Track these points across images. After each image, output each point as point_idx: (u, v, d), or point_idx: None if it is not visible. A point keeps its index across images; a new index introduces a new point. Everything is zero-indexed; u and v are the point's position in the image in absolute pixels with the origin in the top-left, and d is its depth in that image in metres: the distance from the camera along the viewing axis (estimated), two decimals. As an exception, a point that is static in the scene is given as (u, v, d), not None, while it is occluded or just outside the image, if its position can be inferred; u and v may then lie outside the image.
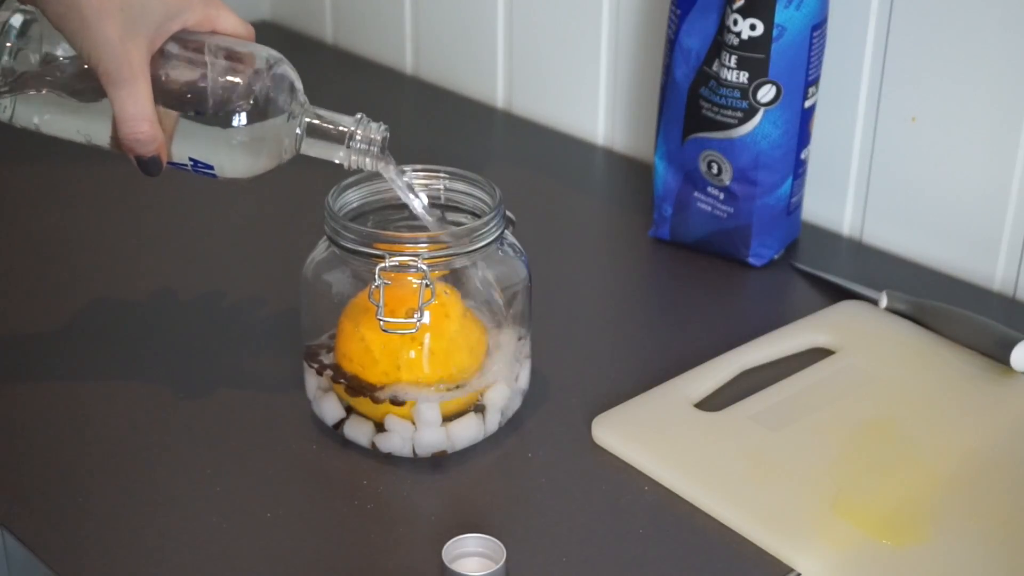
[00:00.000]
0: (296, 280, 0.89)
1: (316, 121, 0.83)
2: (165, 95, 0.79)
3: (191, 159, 0.82)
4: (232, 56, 0.81)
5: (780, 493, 0.84)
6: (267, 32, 1.58)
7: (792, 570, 0.79)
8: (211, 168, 0.82)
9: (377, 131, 0.84)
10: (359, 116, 0.84)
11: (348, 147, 0.83)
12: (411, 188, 0.86)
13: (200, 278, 1.09)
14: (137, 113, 0.77)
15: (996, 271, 1.10)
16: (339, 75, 1.53)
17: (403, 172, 0.87)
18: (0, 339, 1.01)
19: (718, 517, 0.83)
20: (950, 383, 0.95)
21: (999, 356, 0.96)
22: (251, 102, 0.80)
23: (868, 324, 1.02)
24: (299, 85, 0.83)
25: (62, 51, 0.79)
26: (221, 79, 0.80)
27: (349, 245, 0.84)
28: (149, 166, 0.80)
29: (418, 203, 0.86)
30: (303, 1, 1.61)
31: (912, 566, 0.79)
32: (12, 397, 0.94)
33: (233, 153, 0.81)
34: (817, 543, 0.80)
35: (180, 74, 0.80)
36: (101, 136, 0.81)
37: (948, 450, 0.88)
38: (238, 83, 0.80)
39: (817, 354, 0.99)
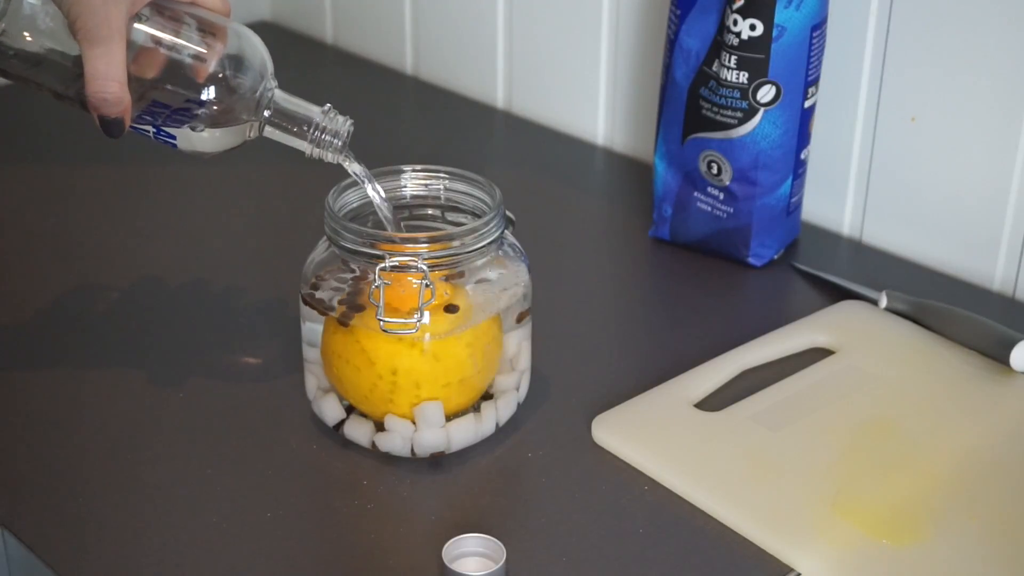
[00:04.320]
0: (296, 280, 0.89)
1: (284, 105, 0.84)
2: (133, 56, 0.79)
3: (154, 126, 0.82)
4: (206, 28, 0.81)
5: (780, 493, 0.84)
6: (267, 32, 1.58)
7: (792, 570, 0.79)
8: (173, 138, 0.82)
9: (342, 125, 0.84)
10: (327, 107, 0.85)
11: (312, 136, 0.84)
12: (372, 181, 0.87)
13: (200, 278, 1.09)
14: (108, 73, 0.77)
15: (996, 271, 1.10)
16: (339, 75, 1.53)
17: (366, 171, 0.87)
18: (0, 339, 1.01)
19: (718, 517, 0.83)
20: (950, 383, 0.95)
21: (999, 356, 0.96)
22: (220, 76, 0.81)
23: (868, 324, 1.02)
24: (270, 66, 0.83)
25: (35, 2, 0.78)
26: (192, 50, 0.80)
27: (349, 245, 0.84)
28: (112, 127, 0.79)
29: (378, 197, 0.87)
30: (303, 1, 1.61)
31: (912, 566, 0.79)
32: (12, 397, 0.94)
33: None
34: (817, 543, 0.80)
35: (152, 38, 0.80)
36: (68, 90, 0.81)
37: (948, 450, 0.88)
38: (207, 54, 0.80)
39: (817, 354, 0.99)
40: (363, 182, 0.86)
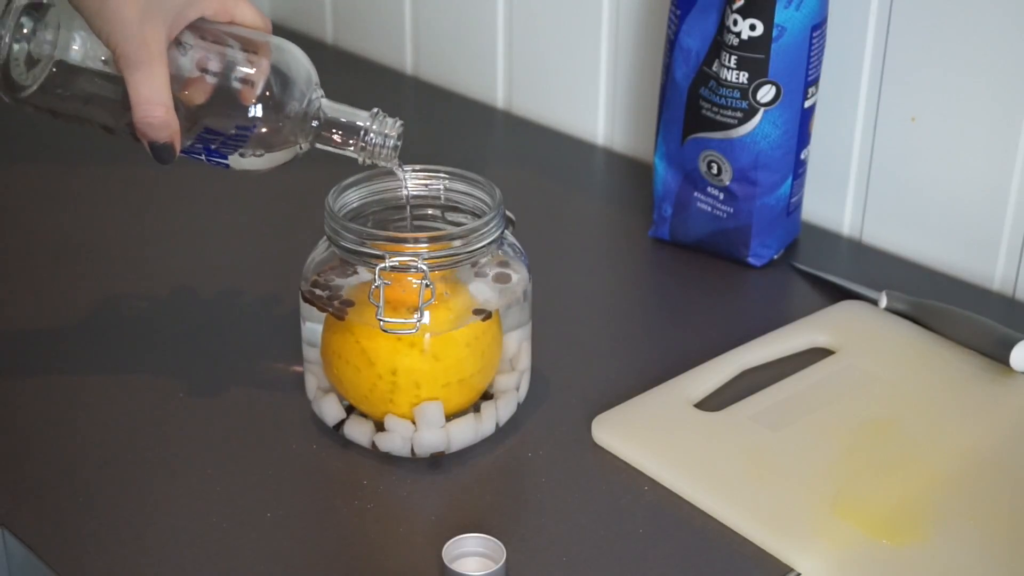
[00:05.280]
0: (296, 280, 0.89)
1: (332, 115, 0.83)
2: (180, 84, 0.79)
3: (205, 149, 0.81)
4: (249, 47, 0.81)
5: (780, 493, 0.84)
6: (267, 32, 1.58)
7: (792, 570, 0.79)
8: (225, 159, 0.82)
9: (392, 127, 0.84)
10: (375, 111, 0.84)
11: (363, 142, 0.83)
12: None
13: (200, 278, 1.09)
14: (152, 97, 0.77)
15: (996, 271, 1.10)
16: (339, 75, 1.53)
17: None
18: (0, 339, 1.01)
19: (718, 517, 0.83)
20: (950, 383, 0.95)
21: (999, 356, 0.96)
22: (267, 94, 0.80)
23: (868, 324, 1.02)
24: (315, 77, 0.83)
25: (80, 40, 0.78)
26: (240, 73, 0.80)
27: (349, 245, 0.84)
28: (162, 153, 0.79)
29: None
30: (303, 1, 1.61)
31: (912, 566, 0.79)
32: (13, 397, 0.94)
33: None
34: (817, 543, 0.80)
35: (197, 63, 0.80)
36: (118, 123, 0.80)
37: (948, 450, 0.88)
38: (254, 74, 0.80)
39: (817, 354, 0.99)
40: (406, 189, 0.86)
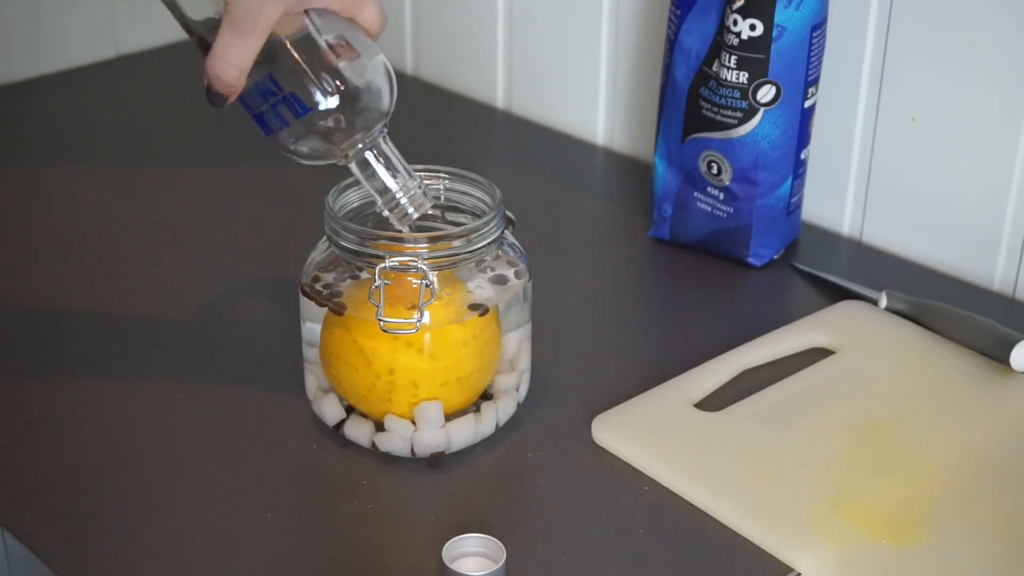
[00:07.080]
0: (296, 280, 0.89)
1: (379, 152, 0.83)
2: (267, 50, 0.79)
3: (257, 114, 0.82)
4: (347, 48, 0.81)
5: (780, 493, 0.84)
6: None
7: (792, 570, 0.79)
8: (268, 128, 0.82)
9: (424, 199, 0.84)
10: (418, 175, 0.85)
11: (387, 194, 0.84)
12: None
13: (200, 278, 1.09)
14: (234, 61, 0.78)
15: (996, 271, 1.10)
16: (339, 75, 1.53)
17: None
18: (0, 339, 1.01)
19: (718, 517, 0.83)
20: (950, 383, 0.95)
21: (999, 356, 0.96)
22: (343, 88, 0.80)
23: (868, 324, 1.02)
24: (390, 107, 0.83)
25: None
26: (324, 62, 0.80)
27: (349, 245, 0.84)
28: (215, 98, 0.80)
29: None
30: (303, 1, 1.61)
31: (912, 566, 0.79)
32: (13, 397, 0.94)
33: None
34: (817, 543, 0.80)
35: (294, 44, 0.80)
36: (199, 31, 0.81)
37: (948, 450, 0.88)
38: (342, 53, 0.80)
39: (817, 354, 0.99)
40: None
